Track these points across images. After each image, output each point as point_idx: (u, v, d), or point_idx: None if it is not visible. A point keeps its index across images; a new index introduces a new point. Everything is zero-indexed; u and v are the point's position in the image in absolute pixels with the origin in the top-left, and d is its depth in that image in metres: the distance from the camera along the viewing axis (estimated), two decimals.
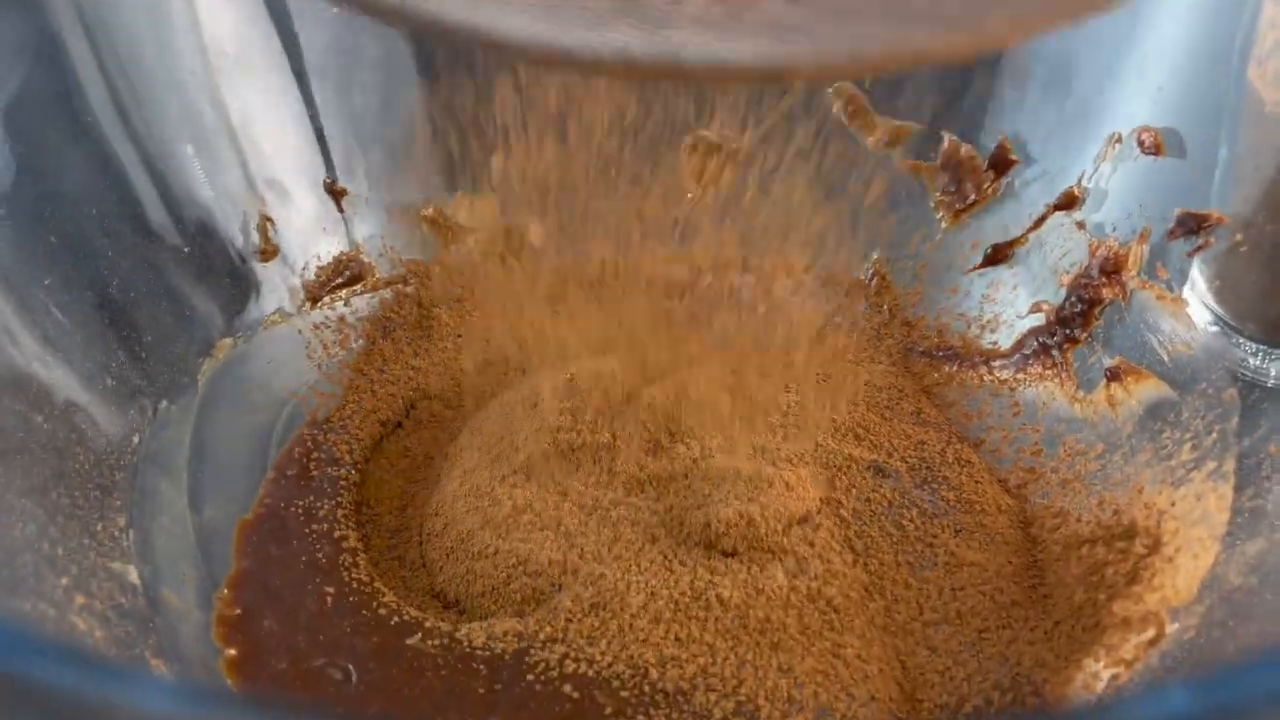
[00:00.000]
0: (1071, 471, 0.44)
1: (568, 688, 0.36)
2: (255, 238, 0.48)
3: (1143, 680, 0.34)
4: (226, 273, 0.47)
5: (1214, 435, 0.39)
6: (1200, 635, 0.33)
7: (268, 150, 0.47)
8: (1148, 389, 0.43)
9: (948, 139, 0.50)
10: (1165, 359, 0.43)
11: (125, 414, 0.41)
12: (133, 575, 0.37)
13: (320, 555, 0.42)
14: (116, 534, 0.37)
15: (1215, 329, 0.43)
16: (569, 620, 0.38)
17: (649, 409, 0.46)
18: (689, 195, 0.51)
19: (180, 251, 0.45)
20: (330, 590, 0.41)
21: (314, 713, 0.27)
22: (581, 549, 0.41)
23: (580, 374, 0.49)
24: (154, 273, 0.44)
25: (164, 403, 0.43)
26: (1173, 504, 0.39)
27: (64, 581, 0.32)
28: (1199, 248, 0.42)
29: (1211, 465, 0.38)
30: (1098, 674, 0.35)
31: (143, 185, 0.43)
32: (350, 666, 0.38)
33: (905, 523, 0.43)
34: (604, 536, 0.41)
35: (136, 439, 0.41)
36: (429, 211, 0.54)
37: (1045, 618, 0.39)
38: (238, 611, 0.40)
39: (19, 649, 0.19)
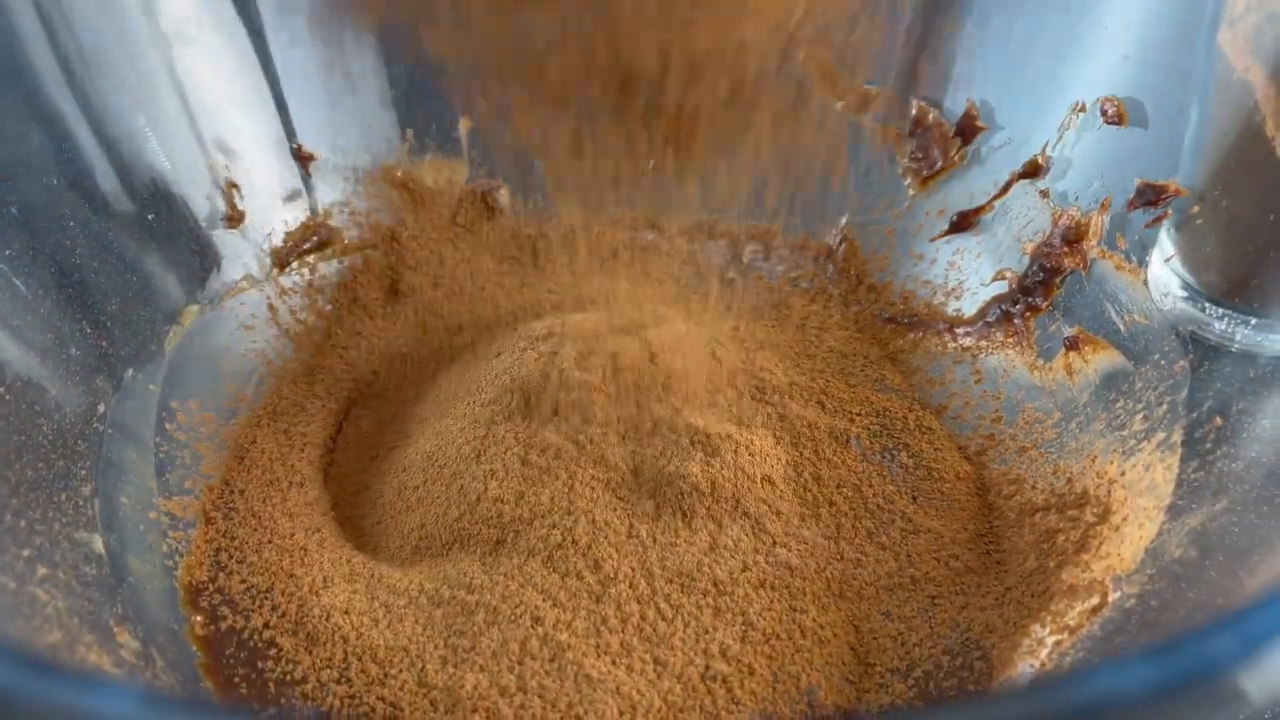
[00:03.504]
0: (1029, 439, 0.45)
1: (534, 642, 0.37)
2: (221, 204, 0.48)
3: (1084, 646, 0.34)
4: (191, 240, 0.47)
5: (1164, 406, 0.39)
6: (1141, 604, 0.34)
7: (228, 116, 0.47)
8: (1104, 359, 0.43)
9: (916, 104, 0.50)
10: (1122, 329, 0.43)
11: (90, 383, 0.41)
12: (98, 544, 0.37)
13: (290, 521, 0.43)
14: (81, 503, 0.38)
15: (1183, 294, 0.43)
16: (525, 568, 0.39)
17: (615, 364, 0.47)
18: (651, 163, 0.51)
19: (143, 220, 0.45)
20: (300, 556, 0.41)
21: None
22: (540, 499, 0.41)
23: (547, 329, 0.50)
24: (117, 242, 0.43)
25: (130, 371, 0.43)
26: (1123, 473, 0.39)
27: (26, 553, 0.33)
28: (1157, 219, 0.43)
29: (1161, 436, 0.39)
30: (1043, 640, 0.36)
31: (100, 156, 0.42)
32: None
33: (865, 489, 0.44)
34: (564, 486, 0.42)
35: (102, 408, 0.41)
36: (398, 175, 0.53)
37: (997, 584, 0.40)
38: (204, 578, 0.40)
39: None
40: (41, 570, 0.33)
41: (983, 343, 0.49)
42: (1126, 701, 0.20)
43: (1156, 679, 0.21)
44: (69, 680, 0.20)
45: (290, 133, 0.49)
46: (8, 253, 0.39)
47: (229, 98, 0.46)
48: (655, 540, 0.40)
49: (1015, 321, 0.48)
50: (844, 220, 0.54)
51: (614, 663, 0.37)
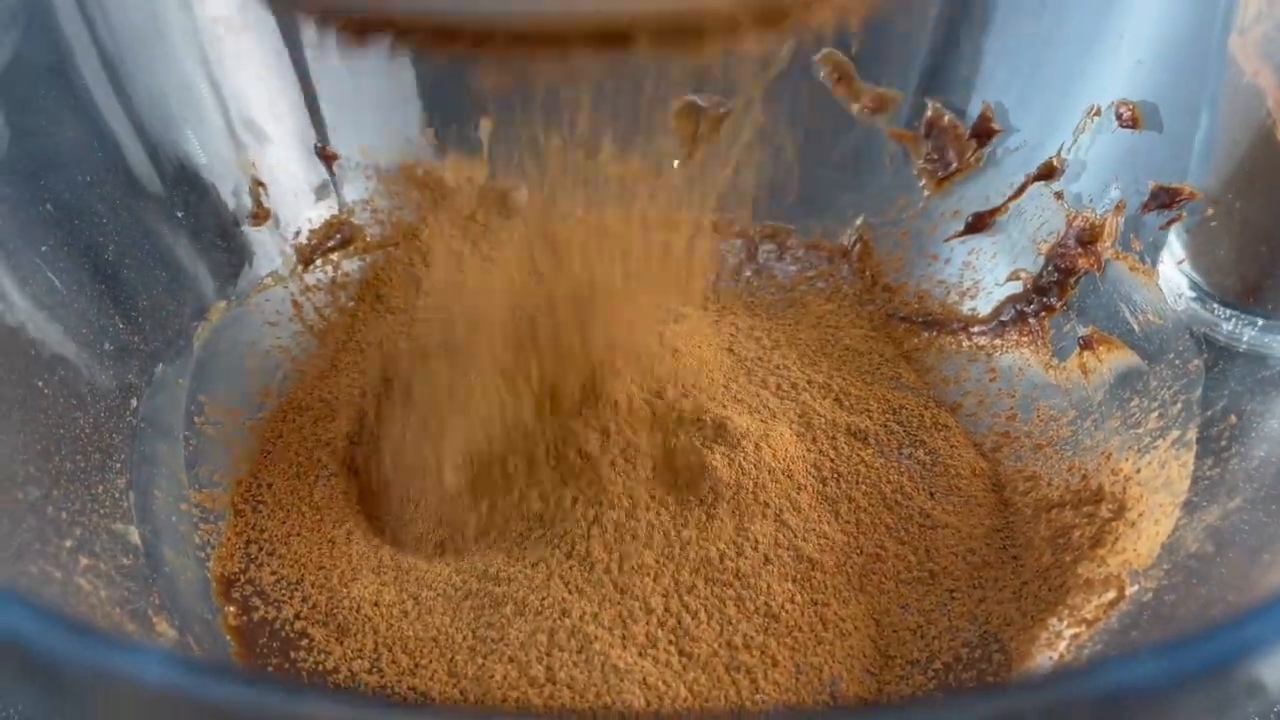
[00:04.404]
0: (1044, 437, 0.46)
1: (561, 633, 0.38)
2: (247, 202, 0.49)
3: (1101, 639, 0.35)
4: (220, 237, 0.48)
5: (1179, 405, 0.40)
6: (1157, 598, 0.35)
7: (259, 115, 0.48)
8: (1119, 358, 0.44)
9: (931, 107, 0.51)
10: (1136, 329, 0.44)
11: (123, 378, 0.42)
12: (134, 536, 0.38)
13: (317, 514, 0.44)
14: (117, 496, 0.39)
15: (1193, 295, 0.44)
16: (551, 560, 0.40)
17: (637, 359, 0.47)
18: (674, 163, 0.52)
19: (174, 216, 0.45)
20: (328, 548, 0.42)
21: (308, 689, 0.29)
22: (565, 491, 0.42)
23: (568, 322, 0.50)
24: (148, 238, 0.44)
25: (160, 366, 0.44)
26: (1138, 470, 0.40)
27: (68, 544, 0.34)
28: (1171, 221, 0.43)
29: (1175, 434, 0.39)
30: (1060, 633, 0.37)
31: (135, 152, 0.43)
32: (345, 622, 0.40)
33: (883, 485, 0.45)
34: (589, 479, 0.42)
35: (134, 402, 0.42)
36: (419, 174, 0.54)
37: (1014, 578, 0.41)
38: (235, 569, 0.41)
39: (23, 616, 0.21)
40: (84, 561, 0.34)
41: (997, 341, 0.50)
42: (1145, 692, 0.21)
43: (1175, 670, 0.21)
44: (107, 643, 0.21)
45: (318, 131, 0.50)
46: (43, 249, 0.40)
47: (260, 95, 0.47)
48: (679, 533, 0.41)
49: (1030, 321, 0.49)
50: (859, 221, 0.55)
51: (640, 654, 0.38)
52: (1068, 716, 0.20)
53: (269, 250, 0.50)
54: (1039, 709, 0.22)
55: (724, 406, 0.45)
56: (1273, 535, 0.34)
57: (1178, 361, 0.41)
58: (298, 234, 0.51)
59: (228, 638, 0.38)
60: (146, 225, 0.44)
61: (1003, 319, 0.50)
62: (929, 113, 0.51)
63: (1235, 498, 0.35)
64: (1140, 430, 0.41)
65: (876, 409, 0.48)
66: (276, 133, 0.49)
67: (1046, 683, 0.30)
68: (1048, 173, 0.48)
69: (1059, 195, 0.48)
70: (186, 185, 0.46)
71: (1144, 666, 0.21)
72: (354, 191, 0.53)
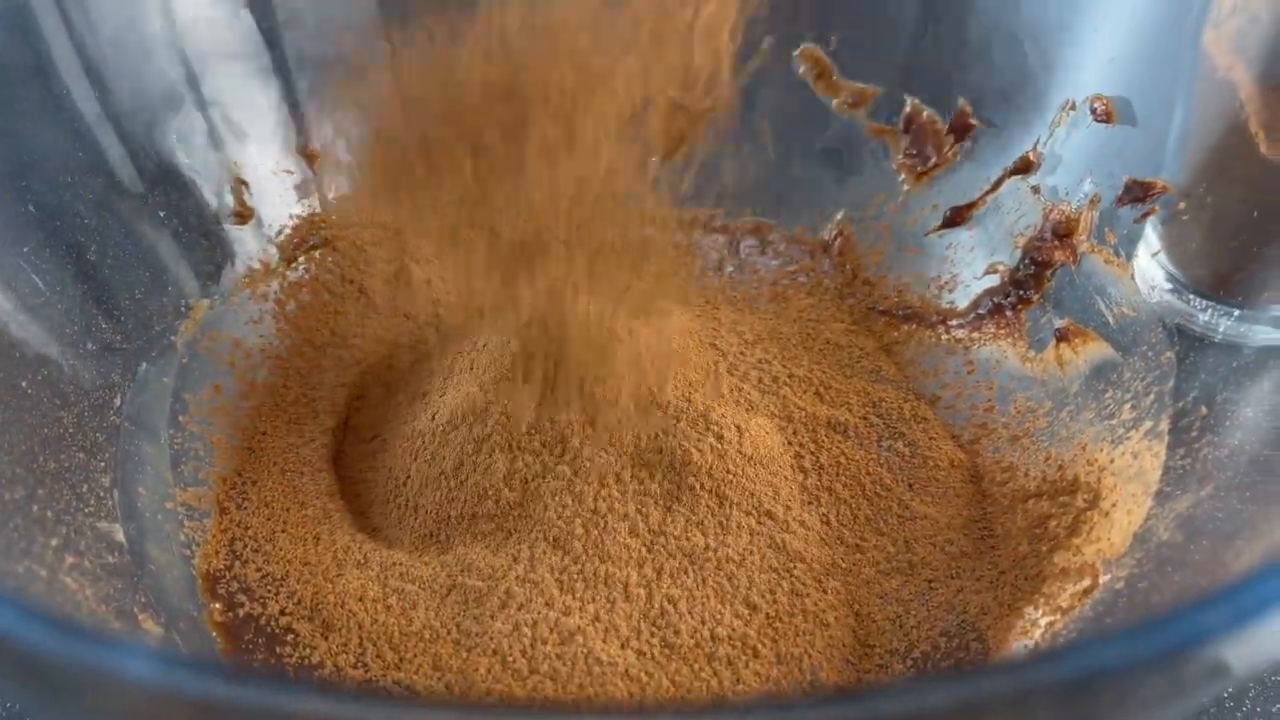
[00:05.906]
0: (1021, 428, 0.46)
1: (543, 626, 0.38)
2: (230, 201, 0.49)
3: (1076, 627, 0.36)
4: (202, 235, 0.48)
5: (1151, 396, 0.41)
6: (1130, 586, 0.35)
7: (241, 114, 0.48)
8: (1094, 350, 0.45)
9: (910, 102, 0.51)
10: (1110, 321, 0.44)
11: (106, 377, 0.42)
12: (119, 534, 0.38)
13: (302, 510, 0.44)
14: (102, 494, 0.39)
15: (1168, 287, 0.45)
16: (533, 552, 0.40)
17: (619, 349, 0.48)
18: (653, 159, 0.52)
19: (156, 215, 0.45)
20: (313, 544, 0.42)
21: (294, 684, 0.29)
22: (547, 483, 0.42)
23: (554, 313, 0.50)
24: (130, 237, 0.44)
25: (143, 364, 0.44)
26: (1112, 461, 0.41)
27: (54, 542, 0.34)
28: (1144, 214, 0.44)
29: (1148, 425, 0.40)
30: (1036, 621, 0.38)
31: (117, 152, 0.43)
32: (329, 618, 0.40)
33: (862, 477, 0.45)
34: (570, 471, 0.42)
35: (118, 401, 0.42)
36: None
37: (991, 568, 0.42)
38: (221, 566, 0.41)
39: (8, 614, 0.21)
40: (69, 559, 0.34)
41: (975, 334, 0.50)
42: (1113, 675, 0.21)
43: (1142, 653, 0.22)
44: (93, 640, 0.21)
45: (299, 129, 0.50)
46: (25, 249, 0.40)
47: (241, 95, 0.47)
48: (661, 524, 0.41)
49: (1007, 314, 0.49)
50: (839, 215, 0.55)
51: (623, 646, 0.38)
52: (1033, 700, 0.21)
53: (251, 248, 0.50)
54: (1008, 692, 0.22)
55: (706, 399, 0.46)
56: (1244, 522, 0.34)
57: (1150, 354, 0.42)
58: (280, 232, 0.51)
59: (213, 634, 0.39)
60: (128, 225, 0.44)
61: (980, 312, 0.50)
62: (907, 108, 0.52)
63: (1206, 486, 0.36)
64: (1114, 421, 0.42)
65: (856, 402, 0.49)
66: (258, 132, 0.49)
67: (1015, 666, 0.31)
68: (1024, 167, 0.49)
69: (1035, 189, 0.49)
70: (168, 185, 0.46)
71: (1111, 649, 0.22)
72: (336, 188, 0.53)
